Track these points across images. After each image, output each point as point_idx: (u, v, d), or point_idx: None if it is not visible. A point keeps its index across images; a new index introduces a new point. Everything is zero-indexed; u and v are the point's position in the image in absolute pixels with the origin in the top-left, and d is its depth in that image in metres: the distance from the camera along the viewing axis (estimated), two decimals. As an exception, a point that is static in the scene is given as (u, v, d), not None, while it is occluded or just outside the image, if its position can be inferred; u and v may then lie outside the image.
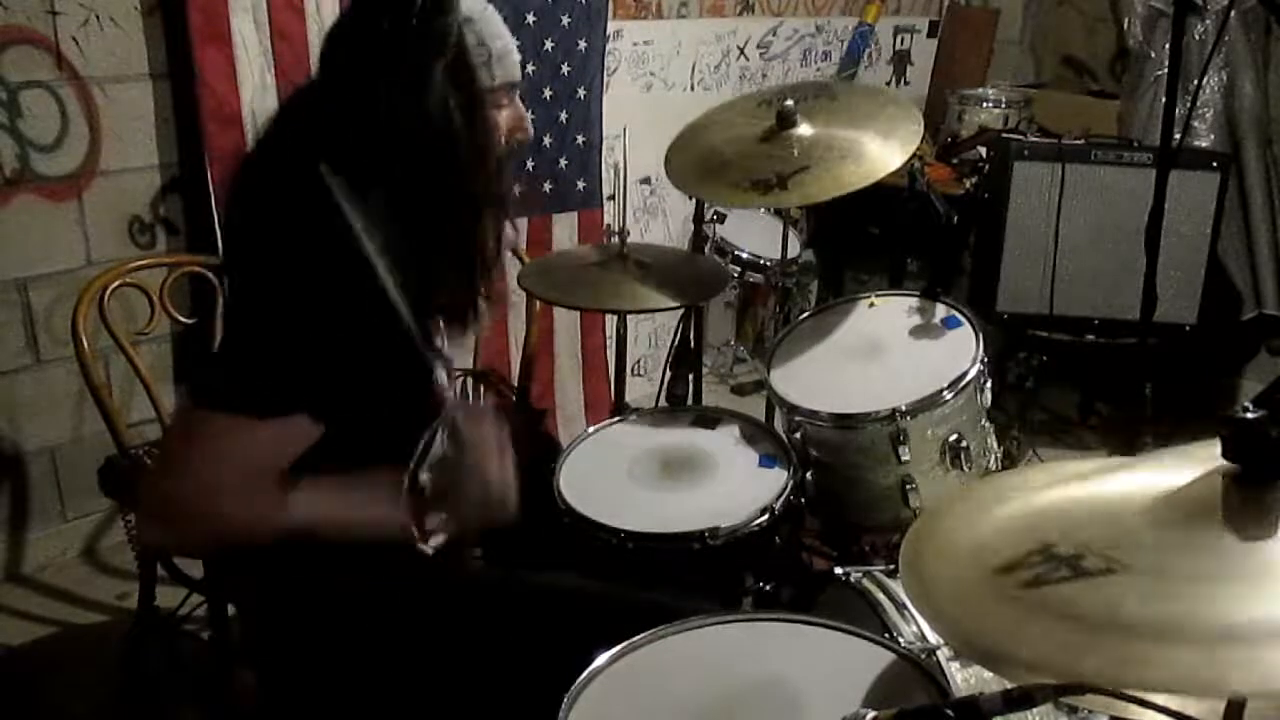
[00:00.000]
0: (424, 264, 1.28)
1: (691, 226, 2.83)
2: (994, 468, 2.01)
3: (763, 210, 3.92)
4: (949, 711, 0.83)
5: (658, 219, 3.78)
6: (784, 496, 1.75)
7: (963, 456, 1.88)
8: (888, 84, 4.61)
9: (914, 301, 2.11)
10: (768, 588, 1.78)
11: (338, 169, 1.18)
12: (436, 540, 1.40)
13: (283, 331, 1.18)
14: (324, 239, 1.17)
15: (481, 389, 2.49)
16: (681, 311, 2.42)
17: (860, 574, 1.61)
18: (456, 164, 1.26)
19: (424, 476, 1.37)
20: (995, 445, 2.05)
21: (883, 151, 2.00)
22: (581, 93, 3.22)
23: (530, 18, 3.01)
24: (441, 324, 1.39)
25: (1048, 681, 0.74)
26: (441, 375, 1.36)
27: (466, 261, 1.37)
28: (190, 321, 2.17)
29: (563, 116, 3.19)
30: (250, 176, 1.30)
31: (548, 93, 3.12)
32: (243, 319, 1.25)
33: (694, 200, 2.71)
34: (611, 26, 3.31)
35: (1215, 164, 3.08)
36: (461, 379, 2.46)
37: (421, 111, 1.22)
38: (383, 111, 1.22)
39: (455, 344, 1.49)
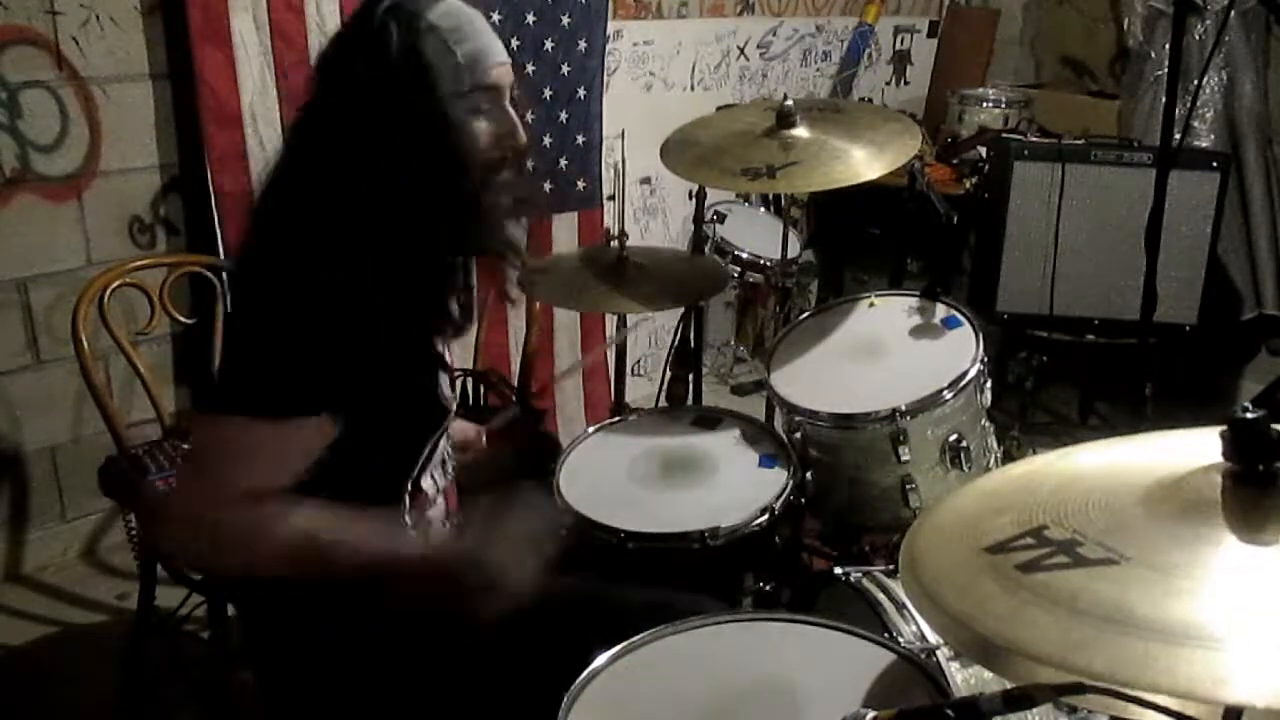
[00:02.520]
0: (422, 274, 1.28)
1: (691, 226, 2.83)
2: (994, 468, 2.01)
3: (763, 210, 3.92)
4: (949, 711, 0.83)
5: (658, 219, 3.78)
6: (784, 496, 1.76)
7: (963, 456, 1.88)
8: (887, 84, 4.61)
9: (914, 301, 2.11)
10: (768, 588, 1.78)
11: (345, 191, 1.20)
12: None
13: (294, 336, 1.18)
14: (342, 251, 1.19)
15: (482, 389, 2.49)
16: (681, 311, 2.42)
17: (860, 574, 1.61)
18: (426, 176, 1.23)
19: (426, 482, 1.37)
20: (995, 445, 2.05)
21: (875, 158, 2.01)
22: (581, 93, 3.22)
23: (530, 18, 3.01)
24: (446, 332, 1.39)
25: (1048, 681, 0.74)
26: (445, 383, 1.37)
27: (456, 269, 1.36)
28: (190, 321, 2.17)
29: (563, 116, 3.19)
30: (268, 200, 1.29)
31: (548, 93, 3.12)
32: (254, 326, 1.24)
33: (694, 200, 2.71)
34: (611, 26, 3.31)
35: (1215, 164, 3.08)
36: (462, 379, 2.46)
37: (384, 128, 1.21)
38: (357, 135, 1.21)
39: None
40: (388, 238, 1.21)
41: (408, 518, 1.35)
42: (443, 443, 1.41)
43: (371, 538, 1.23)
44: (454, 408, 1.42)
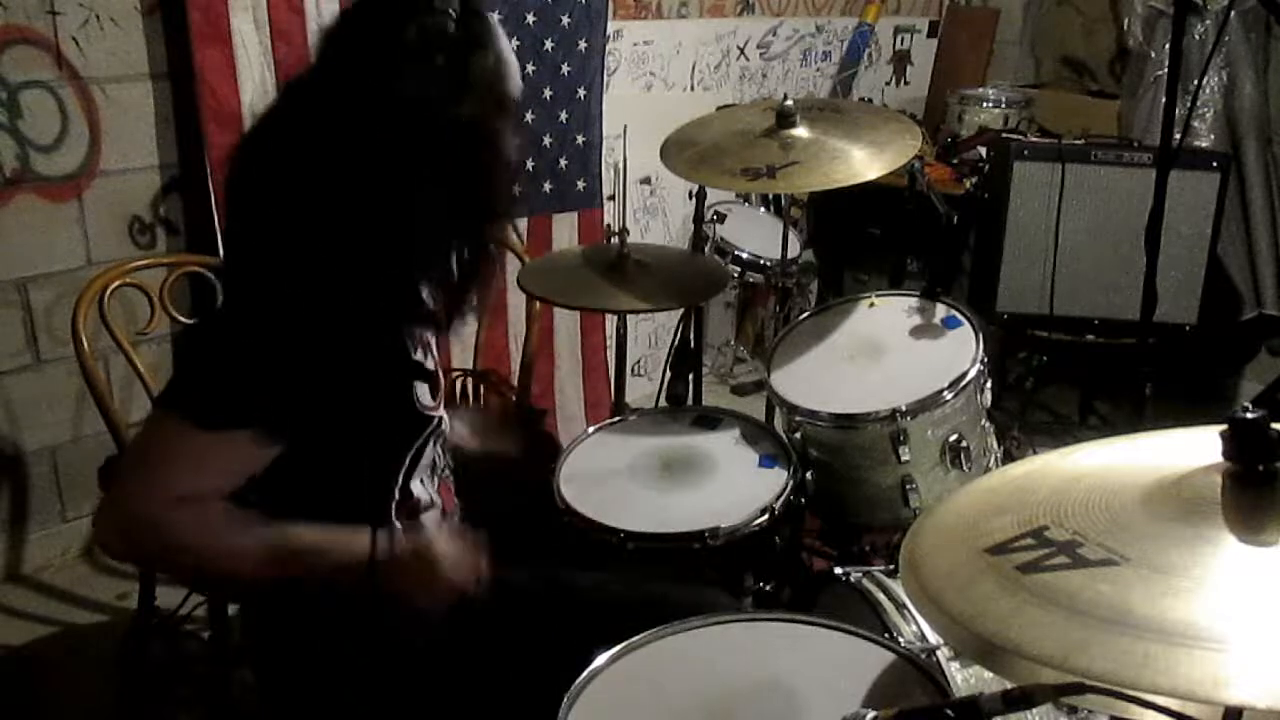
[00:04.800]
0: (423, 268, 1.28)
1: (691, 226, 2.83)
2: (994, 468, 2.01)
3: (763, 210, 3.92)
4: (949, 711, 0.83)
5: (658, 219, 3.78)
6: (784, 496, 1.76)
7: (963, 456, 1.88)
8: (887, 84, 4.61)
9: (914, 301, 2.11)
10: (768, 588, 1.78)
11: (343, 168, 1.18)
12: None
13: (250, 345, 1.18)
14: (312, 255, 1.18)
15: (481, 389, 2.49)
16: (681, 311, 2.42)
17: (860, 574, 1.61)
18: (482, 166, 1.26)
19: (415, 487, 1.37)
20: (995, 445, 2.05)
21: (875, 158, 2.01)
22: (581, 93, 3.22)
23: (530, 18, 3.01)
24: (426, 337, 1.37)
25: (1048, 681, 0.74)
26: (423, 391, 1.34)
27: (469, 264, 1.37)
28: (190, 321, 2.17)
29: (563, 116, 3.18)
30: (249, 173, 1.28)
31: (548, 93, 3.12)
32: (219, 327, 1.27)
33: (694, 200, 2.71)
34: (611, 26, 3.30)
35: (1215, 164, 3.08)
36: (461, 379, 2.45)
37: (455, 109, 1.21)
38: (407, 106, 1.20)
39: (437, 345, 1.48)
40: (383, 228, 1.19)
41: (396, 523, 1.34)
42: (430, 447, 1.38)
43: (326, 542, 1.23)
44: (440, 414, 1.39)
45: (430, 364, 1.37)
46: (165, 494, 1.15)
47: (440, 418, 1.40)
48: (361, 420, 1.25)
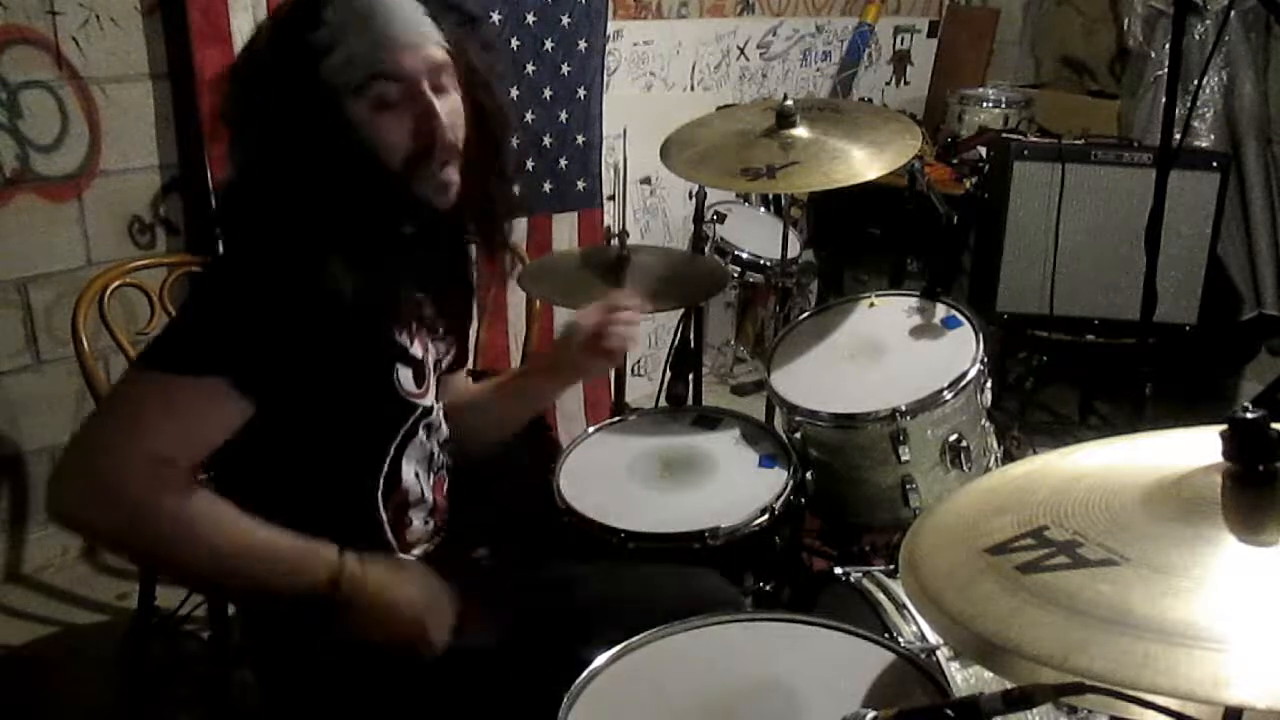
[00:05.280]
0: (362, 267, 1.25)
1: (691, 226, 2.83)
2: (994, 468, 2.01)
3: (763, 210, 3.92)
4: (949, 711, 0.83)
5: (658, 219, 3.78)
6: (784, 496, 1.75)
7: (963, 456, 1.88)
8: (887, 84, 4.61)
9: (914, 301, 2.11)
10: (768, 588, 1.78)
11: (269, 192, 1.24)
12: (420, 550, 1.40)
13: (222, 299, 1.21)
14: (277, 243, 1.21)
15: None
16: (681, 311, 2.42)
17: (860, 574, 1.61)
18: (334, 175, 1.21)
19: (407, 478, 1.36)
20: (995, 445, 2.05)
21: (875, 158, 2.01)
22: (581, 93, 3.22)
23: (530, 18, 3.01)
24: (415, 325, 1.36)
25: (1048, 681, 0.74)
26: (406, 376, 1.33)
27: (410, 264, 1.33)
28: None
29: (563, 116, 3.19)
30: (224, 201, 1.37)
31: (548, 93, 3.12)
32: (196, 289, 1.31)
33: (694, 200, 2.71)
34: (611, 26, 3.31)
35: (1215, 164, 3.08)
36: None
37: (323, 92, 1.21)
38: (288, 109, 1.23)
39: (446, 341, 1.48)
40: (316, 238, 1.20)
41: (384, 513, 1.34)
42: (421, 437, 1.38)
43: (290, 547, 1.20)
44: (428, 403, 1.38)
45: (417, 351, 1.36)
46: (136, 449, 1.13)
47: (429, 407, 1.39)
48: (335, 391, 1.24)
